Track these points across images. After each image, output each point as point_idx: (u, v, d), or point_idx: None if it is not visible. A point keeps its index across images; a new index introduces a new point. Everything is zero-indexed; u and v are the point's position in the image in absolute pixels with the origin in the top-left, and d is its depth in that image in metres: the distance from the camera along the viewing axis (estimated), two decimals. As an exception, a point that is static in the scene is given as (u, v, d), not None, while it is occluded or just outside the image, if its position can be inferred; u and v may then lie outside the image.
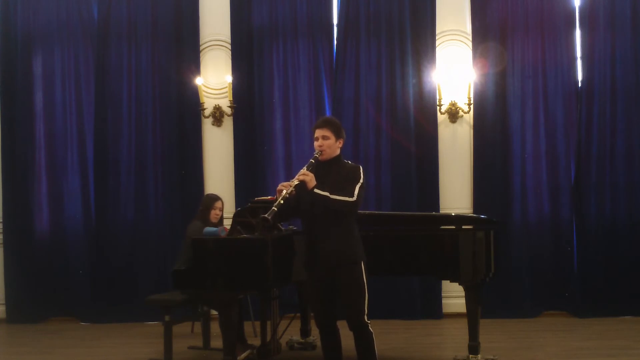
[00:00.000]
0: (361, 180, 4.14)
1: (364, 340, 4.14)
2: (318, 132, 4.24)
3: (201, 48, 7.39)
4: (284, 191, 4.05)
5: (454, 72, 7.10)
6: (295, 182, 4.08)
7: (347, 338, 4.30)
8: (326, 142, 4.21)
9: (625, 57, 6.96)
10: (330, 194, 4.04)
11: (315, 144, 4.24)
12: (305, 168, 4.16)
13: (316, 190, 4.06)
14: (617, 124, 6.96)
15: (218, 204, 5.66)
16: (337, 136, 4.24)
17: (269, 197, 5.55)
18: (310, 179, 4.08)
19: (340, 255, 4.11)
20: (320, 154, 4.21)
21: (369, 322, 4.12)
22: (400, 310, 6.94)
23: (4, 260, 7.49)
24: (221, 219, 5.72)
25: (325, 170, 4.21)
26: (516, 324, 6.64)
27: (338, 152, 4.27)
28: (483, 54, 7.05)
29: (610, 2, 6.97)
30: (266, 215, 4.01)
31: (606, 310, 6.83)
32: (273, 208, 4.02)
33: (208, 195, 5.84)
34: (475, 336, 5.06)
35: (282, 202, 4.04)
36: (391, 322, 6.75)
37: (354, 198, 4.07)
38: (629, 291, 6.84)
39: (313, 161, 4.20)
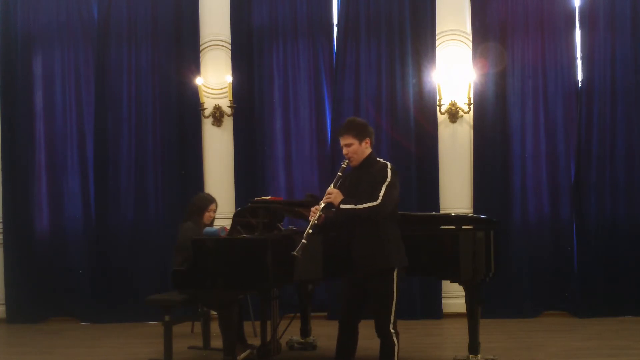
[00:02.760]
0: (388, 179, 4.07)
1: (385, 348, 4.15)
2: (341, 141, 4.21)
3: (201, 48, 7.39)
4: (311, 220, 4.05)
5: (454, 72, 7.10)
6: (322, 204, 4.08)
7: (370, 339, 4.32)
8: (351, 149, 4.17)
9: (625, 57, 6.96)
10: (357, 203, 4.01)
11: (343, 152, 4.21)
12: (332, 184, 4.14)
13: (342, 206, 4.05)
14: (617, 124, 6.96)
15: (213, 207, 5.62)
16: (361, 138, 4.17)
17: (269, 197, 5.55)
18: (334, 196, 4.07)
19: (371, 261, 4.10)
20: (350, 162, 4.19)
21: (394, 331, 4.12)
22: (400, 310, 6.85)
23: (4, 260, 7.49)
24: (213, 219, 5.71)
25: (357, 174, 4.20)
26: (516, 324, 6.64)
27: (368, 152, 4.23)
28: (483, 54, 7.05)
29: (610, 2, 6.97)
30: (296, 253, 4.00)
31: (606, 310, 6.83)
32: (303, 241, 4.01)
33: (202, 195, 5.75)
34: (475, 336, 5.05)
35: (310, 231, 4.04)
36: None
37: (378, 201, 4.01)
38: (629, 291, 6.84)
39: (340, 174, 4.17)
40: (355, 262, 4.14)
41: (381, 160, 4.26)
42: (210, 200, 5.64)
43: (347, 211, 4.04)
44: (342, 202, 4.05)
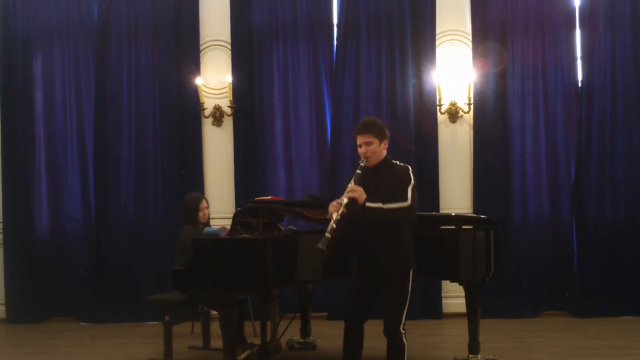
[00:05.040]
0: (412, 182, 3.98)
1: (395, 348, 4.11)
2: (360, 139, 4.05)
3: (201, 48, 7.39)
4: (335, 214, 3.85)
5: (454, 72, 7.11)
6: (345, 200, 3.88)
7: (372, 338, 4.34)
8: (370, 148, 4.02)
9: (625, 57, 6.96)
10: (383, 203, 3.89)
11: (359, 151, 4.06)
12: (352, 182, 3.95)
13: (368, 204, 3.89)
14: (617, 124, 6.96)
15: (203, 204, 5.69)
16: (381, 138, 4.05)
17: (269, 197, 5.55)
18: (359, 194, 3.88)
19: (391, 268, 4.03)
20: (367, 162, 4.04)
21: (404, 331, 4.09)
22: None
23: (4, 260, 7.49)
24: (208, 215, 5.77)
25: (375, 176, 4.06)
26: (516, 324, 6.64)
27: (384, 154, 4.12)
28: (483, 54, 7.05)
29: (610, 2, 6.97)
30: (320, 246, 3.78)
31: (606, 310, 6.83)
32: (326, 235, 3.79)
33: (193, 195, 5.77)
34: (475, 336, 5.06)
35: (334, 226, 3.83)
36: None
37: (408, 202, 3.91)
38: (629, 291, 6.85)
39: (360, 172, 3.99)
40: (374, 268, 4.06)
41: (398, 162, 4.15)
42: (200, 198, 5.71)
43: (372, 210, 3.89)
44: (367, 200, 3.90)
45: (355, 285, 4.20)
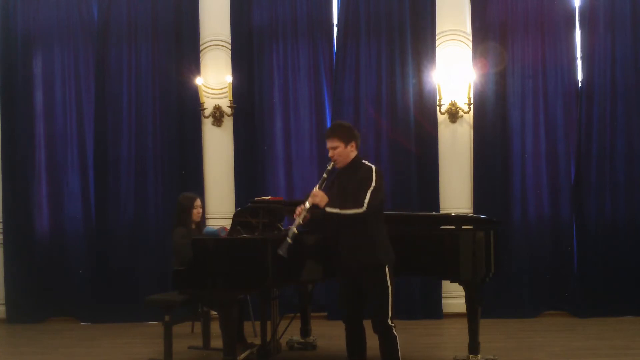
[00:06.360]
0: (372, 184, 4.14)
1: (387, 343, 4.21)
2: (328, 143, 4.32)
3: (201, 48, 7.39)
4: (297, 219, 4.19)
5: (454, 72, 7.11)
6: (307, 205, 4.20)
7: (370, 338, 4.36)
8: (337, 152, 4.28)
9: (625, 57, 6.96)
10: (342, 208, 4.11)
11: (329, 153, 4.32)
12: (317, 186, 4.26)
13: (328, 209, 4.15)
14: (617, 124, 6.97)
15: (197, 202, 5.70)
16: (347, 141, 4.28)
17: (269, 197, 5.56)
18: (320, 199, 4.18)
19: (361, 260, 4.19)
20: (335, 164, 4.30)
21: (392, 324, 4.19)
22: (400, 310, 6.89)
23: (4, 260, 7.49)
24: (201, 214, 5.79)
25: (344, 177, 4.29)
26: (516, 324, 6.64)
27: (353, 155, 4.32)
28: (483, 54, 7.05)
29: (610, 2, 6.97)
30: (281, 252, 4.20)
31: (606, 310, 6.83)
32: (287, 240, 4.19)
33: (185, 195, 5.79)
34: (475, 336, 5.06)
35: (295, 231, 4.19)
36: (391, 322, 6.74)
37: (363, 208, 4.09)
38: (629, 291, 6.85)
39: (325, 175, 4.30)
40: (344, 261, 4.25)
41: (366, 163, 4.32)
42: (194, 197, 5.72)
43: (331, 215, 4.16)
44: (327, 205, 4.17)
45: (343, 286, 4.36)
